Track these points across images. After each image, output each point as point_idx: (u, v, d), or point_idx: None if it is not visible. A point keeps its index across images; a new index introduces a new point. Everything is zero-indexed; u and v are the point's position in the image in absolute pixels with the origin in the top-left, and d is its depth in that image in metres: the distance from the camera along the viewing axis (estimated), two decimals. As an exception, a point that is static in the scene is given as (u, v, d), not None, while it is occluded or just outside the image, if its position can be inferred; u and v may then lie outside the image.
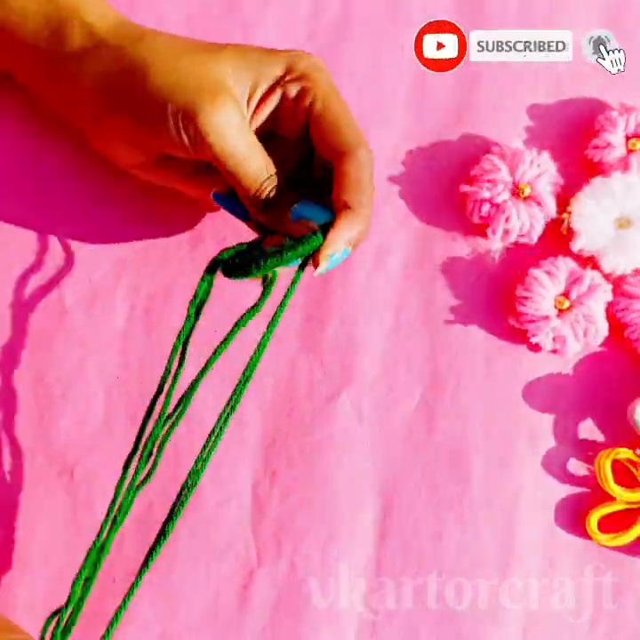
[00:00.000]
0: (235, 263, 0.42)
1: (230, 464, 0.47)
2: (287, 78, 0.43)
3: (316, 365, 0.48)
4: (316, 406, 0.48)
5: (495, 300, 0.49)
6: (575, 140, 0.50)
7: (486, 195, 0.48)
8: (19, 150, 0.48)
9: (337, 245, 0.40)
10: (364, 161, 0.42)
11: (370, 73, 0.51)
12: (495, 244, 0.49)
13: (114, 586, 0.46)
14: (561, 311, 0.47)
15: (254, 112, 0.43)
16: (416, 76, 0.51)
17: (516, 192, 0.48)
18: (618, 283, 0.48)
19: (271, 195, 0.43)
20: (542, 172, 0.48)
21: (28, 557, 0.46)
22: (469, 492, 0.47)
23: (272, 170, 0.43)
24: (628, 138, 0.49)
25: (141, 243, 0.48)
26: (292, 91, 0.43)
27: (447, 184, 0.50)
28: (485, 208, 0.48)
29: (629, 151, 0.49)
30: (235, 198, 0.44)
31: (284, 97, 0.43)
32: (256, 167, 0.42)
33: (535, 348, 0.48)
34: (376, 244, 0.49)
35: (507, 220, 0.48)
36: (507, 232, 0.48)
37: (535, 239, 0.49)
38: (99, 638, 0.42)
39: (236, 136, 0.42)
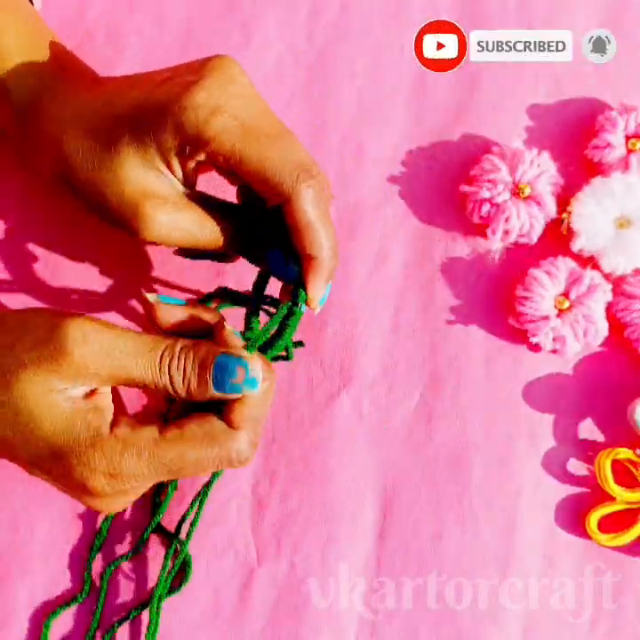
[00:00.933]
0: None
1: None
2: (188, 151, 0.40)
3: (316, 365, 0.48)
4: (316, 406, 0.48)
5: (495, 300, 0.49)
6: (575, 139, 0.50)
7: (486, 195, 0.48)
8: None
9: (318, 295, 0.41)
10: (308, 198, 0.39)
11: (370, 73, 0.51)
12: (495, 244, 0.49)
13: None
14: (561, 311, 0.47)
15: (185, 172, 0.41)
16: (416, 76, 0.51)
17: (516, 192, 0.48)
18: (618, 283, 0.48)
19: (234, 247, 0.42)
20: (542, 171, 0.48)
21: (28, 557, 0.46)
22: (469, 492, 0.47)
23: (220, 228, 0.42)
24: (627, 138, 0.49)
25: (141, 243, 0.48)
26: (201, 157, 0.40)
27: (447, 184, 0.50)
28: (485, 208, 0.48)
29: (629, 151, 0.49)
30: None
31: (198, 161, 0.41)
32: (210, 234, 0.41)
33: (535, 348, 0.48)
34: (376, 243, 0.49)
35: (507, 220, 0.48)
36: (507, 232, 0.48)
37: (535, 239, 0.49)
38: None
39: (173, 229, 0.40)
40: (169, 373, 0.38)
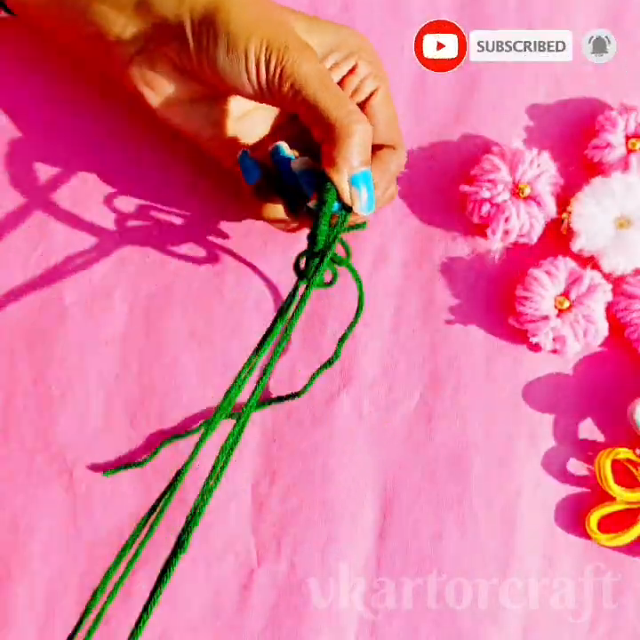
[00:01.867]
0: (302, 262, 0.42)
1: (230, 464, 0.47)
2: (359, 56, 0.44)
3: (316, 365, 0.48)
4: (316, 406, 0.48)
5: (495, 300, 0.49)
6: (575, 139, 0.50)
7: (486, 195, 0.48)
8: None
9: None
10: (402, 160, 0.45)
11: (370, 73, 0.51)
12: (495, 244, 0.49)
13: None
14: (561, 311, 0.47)
15: None
16: (416, 76, 0.51)
17: (515, 192, 0.48)
18: (618, 283, 0.48)
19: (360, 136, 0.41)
20: (542, 171, 0.48)
21: (28, 557, 0.46)
22: (469, 492, 0.47)
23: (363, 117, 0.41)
24: (627, 138, 0.49)
25: (141, 242, 0.48)
26: (362, 71, 0.44)
27: (447, 184, 0.50)
28: (485, 208, 0.48)
29: (629, 151, 0.49)
30: (255, 163, 0.43)
31: (349, 73, 0.45)
32: (346, 107, 0.41)
33: (535, 347, 0.48)
34: (376, 244, 0.49)
35: (506, 220, 0.48)
36: (506, 232, 0.48)
37: (535, 239, 0.49)
38: None
39: (326, 79, 0.41)
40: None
